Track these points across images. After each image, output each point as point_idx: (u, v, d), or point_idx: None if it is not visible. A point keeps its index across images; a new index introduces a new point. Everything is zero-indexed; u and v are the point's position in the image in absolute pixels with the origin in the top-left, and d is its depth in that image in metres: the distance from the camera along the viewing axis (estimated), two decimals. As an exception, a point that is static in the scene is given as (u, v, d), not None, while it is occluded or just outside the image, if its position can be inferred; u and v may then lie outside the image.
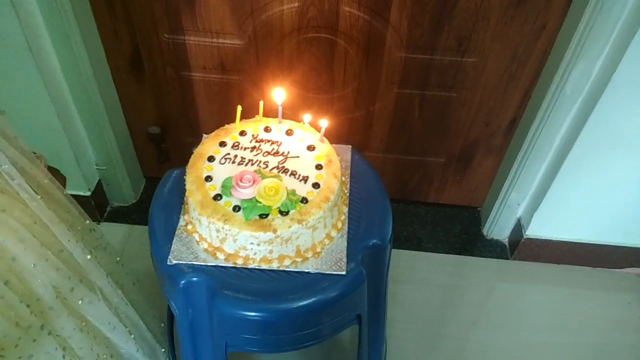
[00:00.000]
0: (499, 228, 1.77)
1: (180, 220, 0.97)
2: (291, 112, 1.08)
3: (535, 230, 1.65)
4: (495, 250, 1.78)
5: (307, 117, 1.02)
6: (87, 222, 1.04)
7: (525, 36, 1.34)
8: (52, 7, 1.26)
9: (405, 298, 1.61)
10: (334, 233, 0.94)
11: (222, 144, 0.99)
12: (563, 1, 1.27)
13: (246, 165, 0.95)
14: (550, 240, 1.66)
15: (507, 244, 1.79)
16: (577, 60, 1.27)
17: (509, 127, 1.58)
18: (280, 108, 1.01)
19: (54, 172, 1.02)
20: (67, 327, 0.91)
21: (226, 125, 1.03)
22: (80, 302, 0.95)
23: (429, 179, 1.79)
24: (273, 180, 0.91)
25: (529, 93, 1.48)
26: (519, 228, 1.70)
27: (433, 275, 1.70)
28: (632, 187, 1.48)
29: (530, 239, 1.67)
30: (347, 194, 1.02)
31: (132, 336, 1.08)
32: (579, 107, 1.35)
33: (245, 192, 0.89)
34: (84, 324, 0.96)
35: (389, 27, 1.35)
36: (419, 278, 1.69)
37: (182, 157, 0.99)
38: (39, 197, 0.86)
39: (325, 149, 0.99)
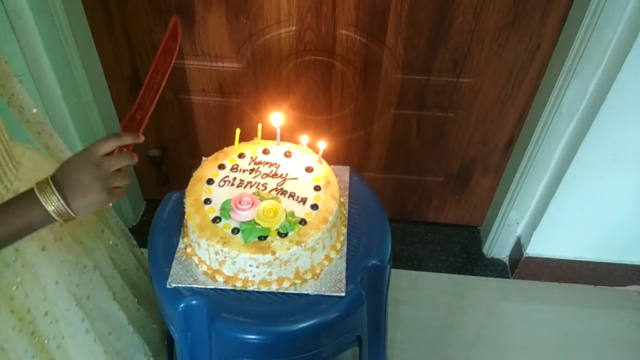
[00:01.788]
0: (499, 247, 1.77)
1: (180, 243, 0.97)
2: (289, 134, 1.09)
3: (536, 248, 1.65)
4: (495, 269, 1.78)
5: (304, 138, 1.03)
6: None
7: (520, 56, 1.36)
8: (52, 32, 1.28)
9: (406, 318, 1.61)
10: (333, 254, 0.94)
11: (221, 167, 1.00)
12: (557, 21, 1.29)
13: (245, 187, 0.96)
14: (551, 259, 1.66)
15: (507, 262, 1.79)
16: (572, 79, 1.29)
17: (507, 146, 1.59)
18: (278, 130, 1.02)
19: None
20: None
21: (225, 147, 1.04)
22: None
23: (428, 198, 1.79)
24: (272, 202, 0.91)
25: (525, 112, 1.49)
26: (519, 247, 1.70)
27: (434, 295, 1.70)
28: (631, 204, 1.48)
29: (531, 257, 1.67)
30: (346, 215, 1.03)
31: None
32: (576, 126, 1.36)
33: (244, 215, 0.89)
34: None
35: (385, 50, 1.37)
36: (420, 298, 1.68)
37: (182, 179, 1.00)
38: None
39: (323, 170, 1.00)
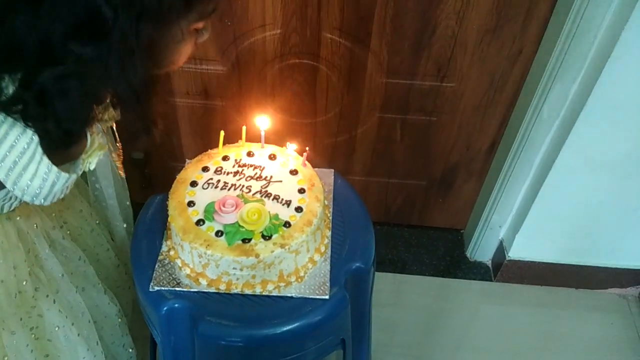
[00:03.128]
0: (482, 250, 1.78)
1: (163, 245, 0.97)
2: (274, 137, 1.09)
3: (518, 252, 1.67)
4: (479, 272, 1.79)
5: (291, 146, 1.03)
6: None
7: (502, 61, 1.37)
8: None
9: (390, 321, 1.61)
10: (317, 257, 0.94)
11: (205, 169, 1.00)
12: (539, 26, 1.31)
13: (229, 190, 0.96)
14: (533, 262, 1.68)
15: (490, 266, 1.81)
16: (553, 85, 1.30)
17: (489, 150, 1.60)
18: (262, 133, 1.02)
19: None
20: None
21: (209, 150, 1.04)
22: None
23: (412, 201, 1.80)
24: (256, 204, 0.91)
25: (507, 117, 1.50)
26: (501, 250, 1.71)
27: (417, 298, 1.70)
28: (611, 209, 1.50)
29: (513, 260, 1.68)
30: (330, 218, 1.03)
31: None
32: (556, 131, 1.38)
33: (228, 217, 0.89)
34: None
35: (369, 54, 1.38)
36: (404, 301, 1.69)
37: (165, 182, 0.99)
38: None
39: (307, 173, 1.00)
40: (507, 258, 1.68)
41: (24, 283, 0.91)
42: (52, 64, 0.61)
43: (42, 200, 0.74)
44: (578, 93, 1.29)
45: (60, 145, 0.72)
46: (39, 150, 0.68)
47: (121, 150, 1.01)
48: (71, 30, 0.59)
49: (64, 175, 0.73)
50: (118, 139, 0.98)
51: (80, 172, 0.79)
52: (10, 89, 0.64)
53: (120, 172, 1.04)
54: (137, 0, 0.60)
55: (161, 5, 0.62)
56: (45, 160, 0.69)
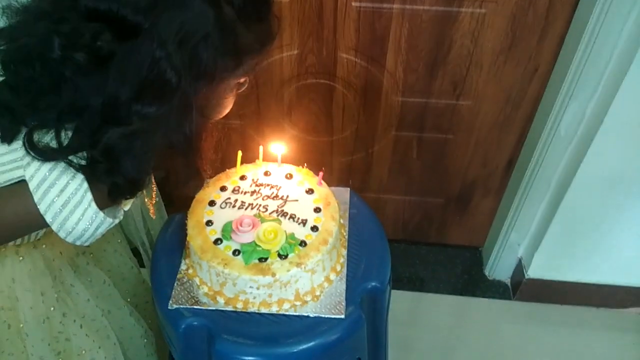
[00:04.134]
0: (500, 268, 1.77)
1: (182, 264, 0.98)
2: (291, 155, 1.10)
3: (537, 270, 1.65)
4: (497, 290, 1.78)
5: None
6: None
7: (518, 79, 1.38)
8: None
9: (407, 340, 1.60)
10: (332, 276, 0.95)
11: (223, 189, 1.01)
12: (554, 44, 1.31)
13: (246, 209, 0.97)
14: (553, 281, 1.66)
15: (509, 284, 1.79)
16: (570, 102, 1.30)
17: (506, 168, 1.60)
18: (279, 153, 1.04)
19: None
20: None
21: (227, 170, 1.06)
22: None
23: (429, 219, 1.80)
24: (272, 224, 0.92)
25: (524, 134, 1.50)
26: (520, 268, 1.70)
27: (435, 316, 1.69)
28: (631, 227, 1.48)
29: (532, 279, 1.66)
30: (346, 237, 1.03)
31: None
32: (574, 148, 1.38)
33: (245, 236, 0.90)
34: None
35: (385, 73, 1.39)
36: (421, 319, 1.68)
37: (184, 201, 1.01)
38: None
39: (323, 192, 1.01)
40: (526, 276, 1.66)
41: (52, 309, 0.94)
42: (118, 123, 0.65)
43: (84, 242, 0.77)
44: (595, 110, 1.29)
45: (128, 195, 0.77)
46: (88, 195, 0.71)
47: (154, 194, 1.04)
48: (137, 92, 0.64)
49: (109, 220, 0.76)
50: (154, 184, 1.02)
51: (121, 217, 0.81)
52: (54, 143, 0.68)
53: (151, 214, 1.06)
54: (196, 63, 0.65)
55: (217, 66, 0.67)
56: (93, 205, 0.72)
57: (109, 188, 0.73)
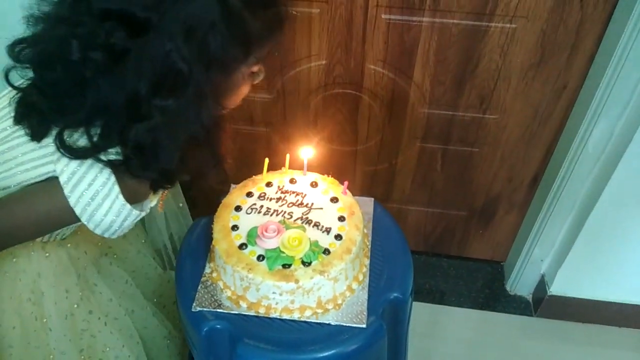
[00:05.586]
0: (522, 284, 1.75)
1: (206, 267, 1.00)
2: (315, 163, 1.12)
3: (560, 287, 1.63)
4: (519, 306, 1.76)
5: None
6: None
7: (546, 95, 1.37)
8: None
9: (426, 352, 1.59)
10: (355, 285, 0.95)
11: (249, 195, 1.03)
12: (584, 62, 1.30)
13: (271, 215, 0.98)
14: (575, 299, 1.64)
15: (531, 300, 1.77)
16: (599, 120, 1.29)
17: (532, 183, 1.59)
18: (305, 161, 1.05)
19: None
20: None
21: (254, 176, 1.07)
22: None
23: (452, 232, 1.79)
24: (297, 231, 0.94)
25: (551, 150, 1.49)
26: (543, 285, 1.68)
27: (455, 330, 1.68)
28: (658, 246, 1.46)
29: (555, 296, 1.64)
30: (369, 246, 1.04)
31: None
32: (602, 165, 1.36)
33: (269, 242, 0.92)
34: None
35: (412, 85, 1.40)
36: (441, 332, 1.67)
37: (209, 204, 1.03)
38: None
39: (348, 201, 1.02)
40: (549, 293, 1.64)
41: (76, 306, 0.96)
42: (141, 119, 0.69)
43: (112, 234, 0.80)
44: (624, 128, 1.27)
45: (167, 185, 0.83)
46: (115, 188, 0.75)
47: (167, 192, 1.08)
48: (154, 86, 0.67)
49: (136, 212, 0.80)
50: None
51: (148, 210, 0.85)
52: (83, 140, 0.72)
53: (159, 208, 1.09)
54: (205, 53, 0.67)
55: (225, 54, 0.70)
56: (121, 197, 0.76)
57: (149, 182, 0.77)
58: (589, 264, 1.54)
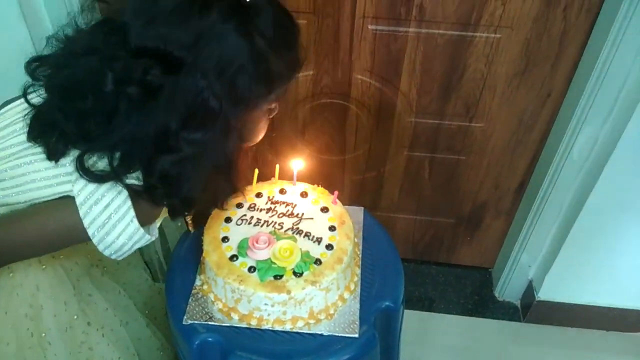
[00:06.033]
0: (510, 290, 1.76)
1: (197, 279, 0.99)
2: (304, 173, 1.12)
3: (548, 292, 1.64)
4: (507, 312, 1.77)
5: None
6: None
7: (531, 103, 1.39)
8: (63, 17, 1.24)
9: (417, 360, 1.60)
10: (346, 295, 0.96)
11: (239, 206, 1.03)
12: (568, 70, 1.32)
13: (262, 226, 0.98)
14: (563, 303, 1.65)
15: (519, 306, 1.78)
16: (583, 127, 1.31)
17: (518, 189, 1.60)
18: (295, 171, 1.05)
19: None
20: None
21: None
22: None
23: (440, 239, 1.80)
24: (288, 241, 0.94)
25: (536, 157, 1.51)
26: (530, 290, 1.69)
27: (444, 337, 1.69)
28: (643, 250, 1.48)
29: (543, 301, 1.66)
30: (360, 256, 1.04)
31: None
32: (586, 172, 1.38)
33: (260, 254, 0.91)
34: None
35: (399, 94, 1.41)
36: (430, 340, 1.67)
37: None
38: None
39: (338, 210, 1.02)
40: (537, 298, 1.66)
41: (75, 317, 0.95)
42: (169, 151, 0.72)
43: (119, 255, 0.81)
44: (608, 135, 1.29)
45: (185, 212, 0.87)
46: (130, 212, 0.76)
47: None
48: (184, 120, 0.70)
49: (147, 237, 0.81)
50: None
51: (156, 235, 0.86)
52: (102, 163, 0.74)
53: None
54: (234, 90, 0.72)
55: (251, 92, 0.74)
56: (135, 222, 0.77)
57: (169, 209, 0.80)
58: (576, 268, 1.56)
